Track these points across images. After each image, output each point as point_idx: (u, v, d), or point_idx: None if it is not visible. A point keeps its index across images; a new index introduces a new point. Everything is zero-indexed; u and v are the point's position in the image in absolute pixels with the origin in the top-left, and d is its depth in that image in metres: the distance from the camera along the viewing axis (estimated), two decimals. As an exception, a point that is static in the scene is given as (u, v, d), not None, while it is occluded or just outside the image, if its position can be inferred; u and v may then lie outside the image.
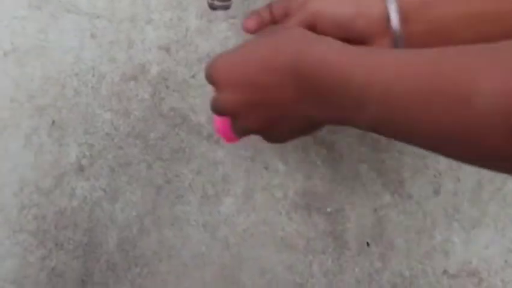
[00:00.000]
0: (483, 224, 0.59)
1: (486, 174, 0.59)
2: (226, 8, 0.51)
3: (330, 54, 0.38)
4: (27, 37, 0.57)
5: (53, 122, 0.58)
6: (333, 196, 0.59)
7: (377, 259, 0.59)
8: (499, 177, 0.58)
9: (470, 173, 0.59)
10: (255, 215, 0.60)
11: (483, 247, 0.59)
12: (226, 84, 0.43)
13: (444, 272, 0.59)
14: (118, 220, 0.59)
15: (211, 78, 0.45)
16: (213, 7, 0.50)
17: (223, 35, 0.57)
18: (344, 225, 0.59)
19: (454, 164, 0.58)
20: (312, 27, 0.44)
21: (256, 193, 0.59)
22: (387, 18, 0.44)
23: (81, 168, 0.59)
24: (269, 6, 0.48)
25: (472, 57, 0.31)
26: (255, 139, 0.48)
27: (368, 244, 0.59)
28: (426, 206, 0.58)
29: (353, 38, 0.44)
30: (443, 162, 0.58)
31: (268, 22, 0.48)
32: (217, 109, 0.45)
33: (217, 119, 0.48)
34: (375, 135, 0.57)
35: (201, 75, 0.55)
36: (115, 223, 0.59)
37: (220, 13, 0.56)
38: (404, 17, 0.43)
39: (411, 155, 0.58)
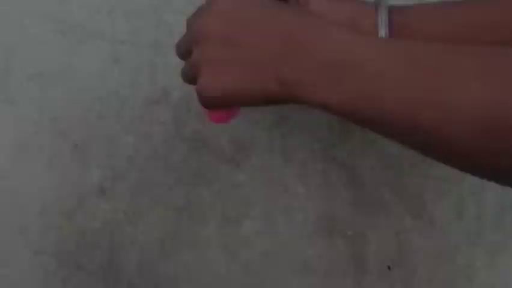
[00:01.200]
0: (506, 248, 0.58)
1: (509, 198, 0.58)
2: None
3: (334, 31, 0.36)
4: (51, 62, 0.58)
5: (76, 145, 0.58)
6: (354, 219, 0.59)
7: (398, 283, 0.58)
8: (522, 202, 0.57)
9: (493, 197, 0.58)
10: (275, 238, 0.59)
11: (507, 272, 0.58)
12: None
13: (468, 297, 0.59)
14: (139, 242, 0.60)
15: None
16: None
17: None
18: (365, 248, 0.59)
19: (477, 187, 0.58)
20: None
21: (277, 216, 0.59)
22: (376, 32, 0.44)
23: (103, 191, 0.59)
24: None
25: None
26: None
27: (389, 268, 0.59)
28: (448, 231, 0.58)
29: None
30: (466, 186, 0.58)
31: None
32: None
33: None
34: (397, 159, 0.57)
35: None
36: (136, 245, 0.60)
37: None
38: (395, 32, 0.44)
39: (435, 179, 0.57)
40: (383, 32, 0.44)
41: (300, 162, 0.59)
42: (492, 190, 0.57)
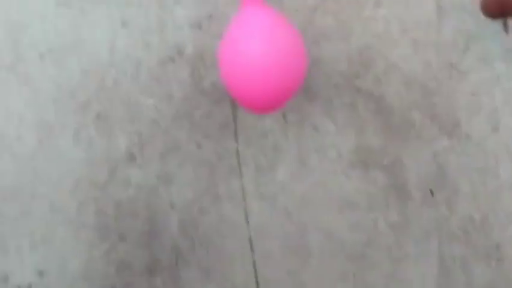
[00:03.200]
0: (548, 154, 0.57)
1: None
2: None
3: None
4: (60, 36, 0.57)
5: (98, 115, 0.58)
6: (388, 148, 0.57)
7: (443, 206, 0.57)
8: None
9: (527, 104, 0.56)
10: (312, 178, 0.59)
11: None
12: None
13: (515, 210, 0.57)
14: (176, 204, 0.59)
15: None
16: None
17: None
18: (403, 176, 0.58)
19: (510, 97, 0.56)
20: None
21: (310, 156, 0.58)
22: None
23: (132, 157, 0.59)
24: None
25: None
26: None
27: (431, 192, 0.57)
28: (486, 145, 0.56)
29: None
30: (498, 98, 0.56)
31: None
32: None
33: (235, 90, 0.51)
34: (422, 80, 0.56)
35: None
36: (174, 207, 0.59)
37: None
38: None
39: (465, 94, 0.56)
40: None
41: (325, 99, 0.57)
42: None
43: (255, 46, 0.49)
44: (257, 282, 0.60)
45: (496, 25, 0.52)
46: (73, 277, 0.60)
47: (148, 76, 0.58)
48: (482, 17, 0.51)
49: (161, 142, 0.59)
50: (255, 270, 0.59)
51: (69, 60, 0.57)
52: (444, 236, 0.57)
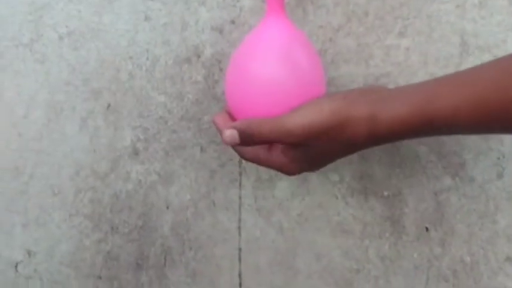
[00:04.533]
0: (549, 208, 0.56)
1: (552, 156, 0.56)
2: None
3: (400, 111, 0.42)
4: (82, 20, 0.57)
5: (109, 105, 0.58)
6: (391, 179, 0.57)
7: (436, 244, 0.57)
8: None
9: (535, 156, 0.56)
10: (310, 198, 0.58)
11: (549, 233, 0.56)
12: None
13: (507, 258, 0.57)
14: (173, 204, 0.59)
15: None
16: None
17: (277, 15, 0.56)
18: (401, 209, 0.57)
19: (518, 146, 0.56)
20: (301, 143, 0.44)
21: (311, 176, 0.58)
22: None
23: (136, 152, 0.59)
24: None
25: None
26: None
27: (427, 229, 0.57)
28: (489, 190, 0.56)
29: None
30: (507, 144, 0.56)
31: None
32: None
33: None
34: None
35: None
36: (170, 206, 0.59)
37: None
38: None
39: (473, 137, 0.55)
40: None
41: (335, 122, 0.57)
42: (535, 148, 0.55)
43: (270, 66, 0.46)
44: (241, 293, 0.60)
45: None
46: (60, 262, 0.60)
47: (163, 73, 0.57)
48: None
49: (166, 140, 0.58)
50: (240, 281, 0.59)
51: (87, 45, 0.57)
52: (433, 275, 0.57)
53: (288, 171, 0.47)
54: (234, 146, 0.48)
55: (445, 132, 0.44)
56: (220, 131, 0.47)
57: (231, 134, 0.45)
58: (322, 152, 0.45)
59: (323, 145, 0.44)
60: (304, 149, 0.45)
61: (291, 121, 0.43)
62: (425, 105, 0.42)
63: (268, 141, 0.45)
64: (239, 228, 0.59)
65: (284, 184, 0.58)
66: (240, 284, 0.59)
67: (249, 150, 0.47)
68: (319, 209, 0.58)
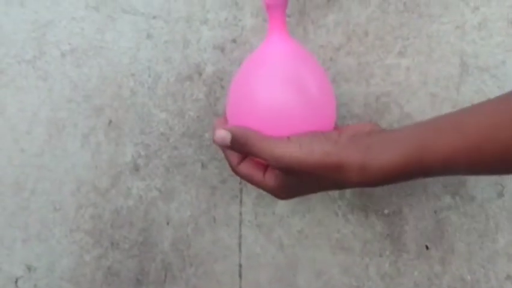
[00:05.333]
0: (549, 227, 0.56)
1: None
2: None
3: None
4: (85, 38, 0.58)
5: (110, 121, 0.58)
6: (391, 197, 0.57)
7: (436, 263, 0.57)
8: None
9: (535, 175, 0.56)
10: (310, 216, 0.59)
11: (549, 252, 0.56)
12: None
13: (508, 277, 0.57)
14: (173, 220, 0.59)
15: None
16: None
17: (278, 33, 0.57)
18: (402, 227, 0.57)
19: (519, 165, 0.56)
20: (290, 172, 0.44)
21: (311, 194, 0.58)
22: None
23: (137, 168, 0.59)
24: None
25: None
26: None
27: (427, 247, 0.57)
28: (489, 209, 0.56)
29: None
30: (507, 163, 0.56)
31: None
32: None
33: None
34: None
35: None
36: (170, 223, 0.59)
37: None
38: None
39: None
40: None
41: (335, 139, 0.57)
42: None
43: (273, 88, 0.45)
44: (241, 309, 0.60)
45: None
46: (60, 277, 0.60)
47: (164, 91, 0.58)
48: (503, 81, 0.51)
49: (167, 157, 0.59)
50: (241, 298, 0.60)
51: (89, 63, 0.58)
52: (433, 293, 0.57)
53: (278, 195, 0.47)
54: (227, 155, 0.48)
55: (440, 175, 0.44)
56: (214, 130, 0.46)
57: (224, 134, 0.45)
58: (312, 184, 0.45)
59: (313, 180, 0.44)
60: (294, 178, 0.45)
61: (282, 150, 0.43)
62: (417, 154, 0.42)
63: (256, 157, 0.45)
64: (239, 244, 0.59)
65: (284, 201, 0.59)
66: (240, 301, 0.60)
67: (244, 168, 0.47)
68: (319, 226, 0.59)
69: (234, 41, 0.57)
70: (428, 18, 0.53)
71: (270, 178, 0.46)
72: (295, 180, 0.45)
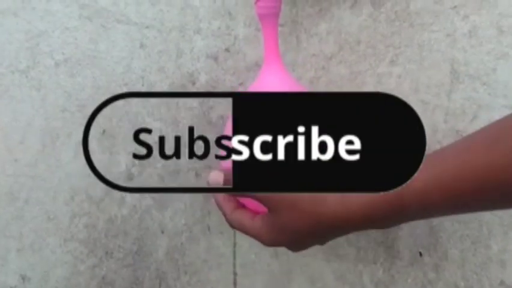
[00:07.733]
0: (542, 233, 0.57)
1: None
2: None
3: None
4: (78, 48, 0.58)
5: (104, 131, 0.58)
6: (384, 205, 0.58)
7: (430, 269, 0.57)
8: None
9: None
10: (304, 223, 0.59)
11: (542, 258, 0.57)
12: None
13: (501, 283, 0.57)
14: (167, 228, 0.59)
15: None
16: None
17: (271, 42, 0.57)
18: (395, 234, 0.58)
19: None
20: None
21: (305, 201, 0.58)
22: None
23: (130, 177, 0.59)
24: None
25: None
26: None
27: (420, 254, 0.57)
28: (482, 215, 0.56)
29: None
30: (499, 170, 0.56)
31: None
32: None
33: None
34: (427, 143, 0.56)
35: (249, 84, 0.54)
36: (165, 231, 0.59)
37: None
38: None
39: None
40: None
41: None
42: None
43: None
44: (236, 318, 0.60)
45: (508, 99, 0.53)
46: (55, 287, 0.60)
47: (158, 100, 0.58)
48: (494, 88, 0.52)
49: (161, 166, 0.59)
50: (235, 306, 0.60)
51: (83, 72, 0.58)
52: (427, 299, 0.58)
53: (265, 239, 0.46)
54: (221, 205, 0.48)
55: (421, 215, 0.42)
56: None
57: (217, 175, 0.46)
58: (295, 223, 0.44)
59: (294, 217, 0.44)
60: (278, 217, 0.44)
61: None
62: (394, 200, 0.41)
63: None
64: (234, 252, 0.60)
65: (278, 209, 0.59)
66: (235, 309, 0.60)
67: (237, 214, 0.47)
68: (313, 234, 0.59)
69: (227, 50, 0.57)
70: (419, 26, 0.53)
71: (257, 220, 0.46)
72: (279, 219, 0.44)
